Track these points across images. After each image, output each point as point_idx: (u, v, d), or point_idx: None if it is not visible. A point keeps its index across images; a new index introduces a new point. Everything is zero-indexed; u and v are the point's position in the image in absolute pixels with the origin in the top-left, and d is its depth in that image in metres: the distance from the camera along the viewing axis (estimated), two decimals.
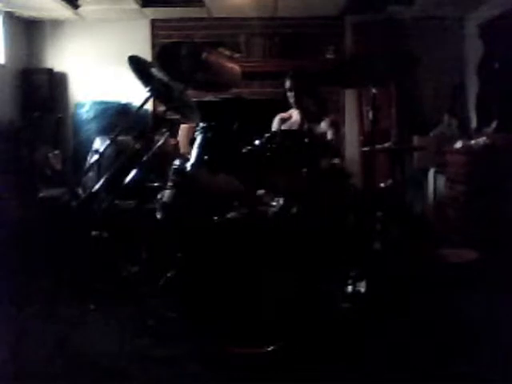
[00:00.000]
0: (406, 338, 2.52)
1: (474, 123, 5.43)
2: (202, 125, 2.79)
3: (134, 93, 4.56)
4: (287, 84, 3.56)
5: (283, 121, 3.66)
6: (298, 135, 2.97)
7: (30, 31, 5.83)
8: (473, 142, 4.47)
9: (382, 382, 2.19)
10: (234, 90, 5.34)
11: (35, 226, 3.81)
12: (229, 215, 2.47)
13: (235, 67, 3.00)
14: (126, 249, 3.20)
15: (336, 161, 3.37)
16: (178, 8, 5.41)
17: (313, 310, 2.36)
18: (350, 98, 5.75)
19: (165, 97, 2.88)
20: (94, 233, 3.34)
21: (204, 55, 2.78)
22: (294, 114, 3.65)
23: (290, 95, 3.56)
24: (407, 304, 2.81)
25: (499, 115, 4.70)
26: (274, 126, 3.68)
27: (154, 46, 5.78)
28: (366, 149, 3.29)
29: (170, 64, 2.79)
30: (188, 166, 2.76)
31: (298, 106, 3.57)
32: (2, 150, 4.63)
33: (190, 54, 2.79)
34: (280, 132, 3.39)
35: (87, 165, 4.23)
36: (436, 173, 4.89)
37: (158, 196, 2.97)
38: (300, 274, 2.33)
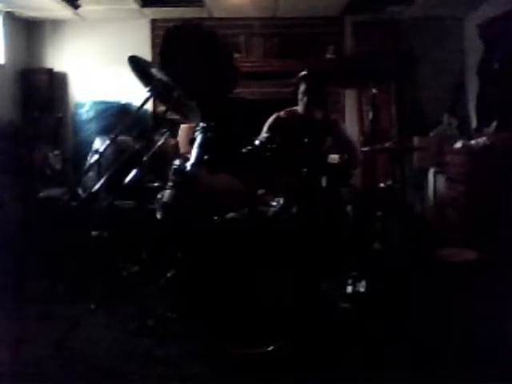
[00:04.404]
0: (405, 338, 2.52)
1: (474, 123, 5.43)
2: (202, 125, 2.79)
3: (134, 93, 4.56)
4: (302, 87, 3.48)
5: (280, 121, 3.59)
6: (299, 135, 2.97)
7: (30, 31, 5.82)
8: (473, 142, 4.47)
9: (382, 381, 2.19)
10: (234, 90, 5.37)
11: (35, 226, 3.81)
12: (229, 215, 2.47)
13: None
14: (125, 249, 3.20)
15: (335, 160, 3.37)
16: (178, 8, 5.41)
17: (313, 309, 2.36)
18: (350, 98, 5.75)
19: (165, 97, 2.88)
20: (94, 233, 3.34)
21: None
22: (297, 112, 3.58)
23: (303, 98, 3.49)
24: (407, 304, 2.81)
25: (499, 115, 4.70)
26: (269, 123, 3.59)
27: (153, 45, 5.78)
28: (365, 149, 3.29)
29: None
30: (188, 166, 2.76)
31: (307, 110, 3.50)
32: (2, 150, 4.63)
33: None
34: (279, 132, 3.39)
35: (87, 165, 4.23)
36: (436, 173, 4.89)
37: (158, 196, 2.97)
38: (300, 273, 2.33)
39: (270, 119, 3.61)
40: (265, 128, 3.54)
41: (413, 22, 5.60)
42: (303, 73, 3.49)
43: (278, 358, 2.25)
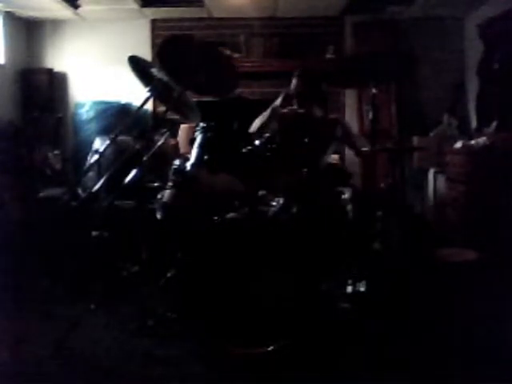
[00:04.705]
0: (405, 338, 2.52)
1: (474, 123, 5.43)
2: (202, 125, 2.79)
3: (134, 93, 4.57)
4: (293, 84, 3.50)
5: (282, 115, 3.57)
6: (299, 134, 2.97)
7: (30, 31, 5.83)
8: (473, 142, 4.47)
9: (382, 381, 2.19)
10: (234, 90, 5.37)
11: (35, 226, 3.81)
12: (229, 215, 2.47)
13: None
14: (125, 249, 3.20)
15: (335, 160, 3.37)
16: (178, 8, 5.41)
17: (313, 309, 2.36)
18: (350, 98, 5.75)
19: (165, 97, 2.88)
20: (94, 233, 3.34)
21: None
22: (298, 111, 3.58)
23: (295, 95, 3.50)
24: (407, 304, 2.81)
25: (499, 115, 4.70)
26: (267, 112, 3.55)
27: (153, 45, 5.78)
28: (365, 149, 3.29)
29: (170, 60, 2.75)
30: (188, 166, 2.76)
31: (301, 107, 3.52)
32: (2, 150, 4.63)
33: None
34: (280, 132, 3.39)
35: (87, 165, 4.23)
36: (436, 173, 4.89)
37: (158, 196, 2.97)
38: (300, 273, 2.33)
39: (269, 109, 3.54)
40: (264, 115, 3.45)
41: (413, 22, 5.61)
42: (298, 71, 3.50)
43: (278, 358, 2.25)
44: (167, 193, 2.84)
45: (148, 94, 2.79)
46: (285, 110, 3.63)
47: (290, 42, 5.67)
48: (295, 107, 3.58)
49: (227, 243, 2.37)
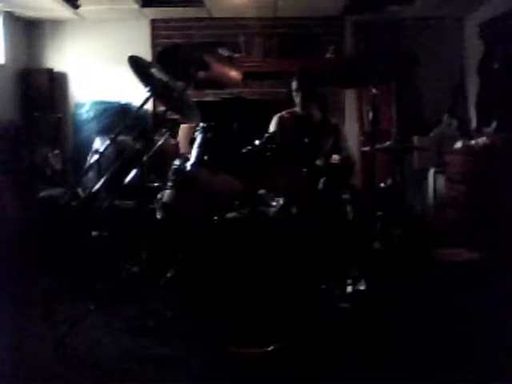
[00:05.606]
0: (405, 338, 2.52)
1: (474, 123, 5.43)
2: (202, 125, 2.79)
3: (134, 93, 4.57)
4: (294, 85, 3.52)
5: (283, 121, 3.62)
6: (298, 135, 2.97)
7: (30, 31, 5.83)
8: (473, 142, 4.47)
9: (382, 381, 2.19)
10: (234, 90, 5.38)
11: (35, 226, 3.81)
12: (229, 215, 2.47)
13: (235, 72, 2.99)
14: (125, 249, 3.20)
15: (335, 160, 3.37)
16: (178, 8, 5.41)
17: (313, 309, 2.36)
18: (350, 98, 5.75)
19: (165, 97, 2.88)
20: (94, 233, 3.34)
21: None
22: (297, 113, 3.61)
23: (297, 96, 3.52)
24: (407, 304, 2.81)
25: (499, 115, 4.70)
26: (273, 125, 3.64)
27: (154, 46, 5.78)
28: (366, 149, 3.29)
29: (171, 66, 2.78)
30: (188, 165, 2.76)
31: (304, 108, 3.54)
32: (2, 150, 4.63)
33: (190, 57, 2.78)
34: (280, 132, 3.40)
35: (87, 165, 4.22)
36: (436, 173, 4.90)
37: (158, 196, 2.97)
38: (300, 273, 2.33)
39: (274, 120, 3.62)
40: (271, 129, 3.56)
41: (413, 22, 5.61)
42: (298, 73, 3.52)
43: (278, 358, 2.25)
44: (167, 193, 2.84)
45: (148, 94, 2.79)
46: (284, 113, 3.65)
47: (290, 41, 5.67)
48: (296, 109, 3.59)
49: (227, 243, 2.37)
